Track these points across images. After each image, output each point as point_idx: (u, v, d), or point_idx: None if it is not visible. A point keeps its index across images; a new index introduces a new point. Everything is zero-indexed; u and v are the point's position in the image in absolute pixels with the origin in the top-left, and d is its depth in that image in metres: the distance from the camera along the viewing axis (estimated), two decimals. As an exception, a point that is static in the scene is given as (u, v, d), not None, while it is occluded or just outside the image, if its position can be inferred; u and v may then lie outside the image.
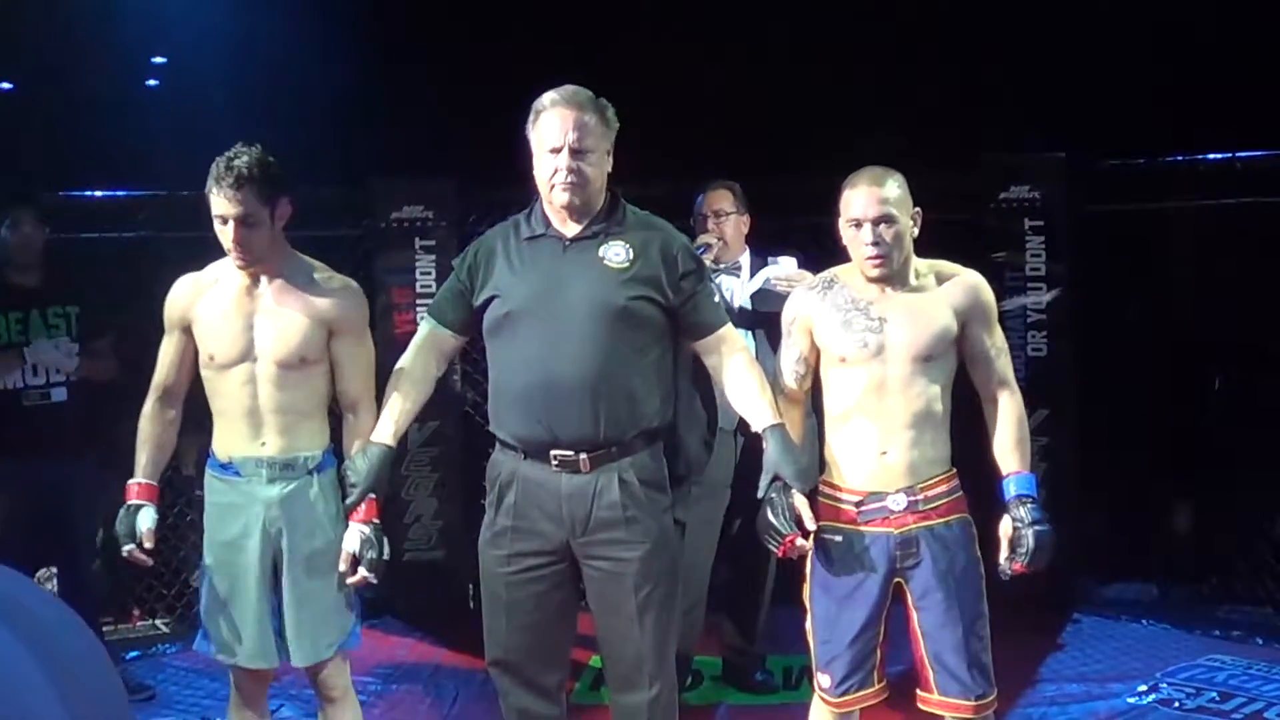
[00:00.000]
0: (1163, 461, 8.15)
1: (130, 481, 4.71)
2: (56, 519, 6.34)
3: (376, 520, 4.60)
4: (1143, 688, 6.39)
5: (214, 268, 4.67)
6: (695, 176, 6.43)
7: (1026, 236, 7.60)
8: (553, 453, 4.31)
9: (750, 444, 5.87)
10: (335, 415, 4.80)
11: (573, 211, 4.33)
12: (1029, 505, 4.29)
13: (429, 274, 7.70)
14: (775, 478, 4.30)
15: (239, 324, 4.55)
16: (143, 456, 4.74)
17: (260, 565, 4.59)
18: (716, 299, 4.56)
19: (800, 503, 4.26)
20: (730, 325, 4.51)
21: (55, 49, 9.03)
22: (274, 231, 4.53)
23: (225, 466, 4.65)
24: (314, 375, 4.62)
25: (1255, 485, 7.69)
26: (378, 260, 7.77)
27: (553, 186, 4.28)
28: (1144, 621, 7.45)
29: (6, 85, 10.59)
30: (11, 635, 1.55)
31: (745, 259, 6.16)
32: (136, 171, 8.01)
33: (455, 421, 7.83)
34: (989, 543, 4.39)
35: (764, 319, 5.52)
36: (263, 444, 4.58)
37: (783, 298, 5.66)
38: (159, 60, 10.66)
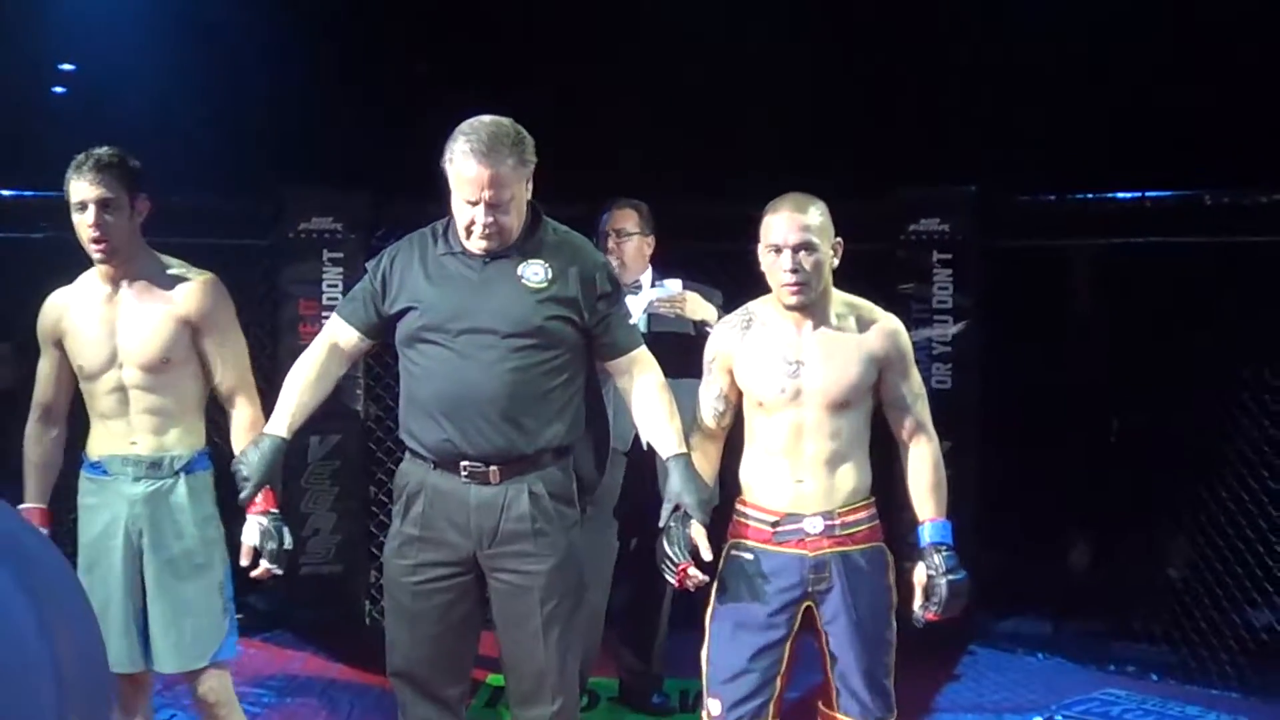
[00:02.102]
0: (1062, 498, 8.18)
1: (22, 508, 4.67)
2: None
3: (275, 510, 4.50)
4: (1038, 719, 6.42)
5: (79, 281, 4.67)
6: (608, 196, 6.41)
7: (934, 269, 7.63)
8: (462, 464, 4.28)
9: (637, 462, 5.90)
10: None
11: (490, 253, 4.30)
12: (944, 553, 4.30)
13: (335, 286, 7.62)
14: (676, 507, 4.29)
15: (103, 332, 4.55)
16: (31, 481, 4.73)
17: (124, 566, 4.55)
18: (632, 321, 4.57)
19: (698, 533, 4.25)
20: (644, 348, 4.51)
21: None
22: (133, 225, 4.52)
23: (95, 466, 4.64)
24: (182, 376, 4.61)
25: (1152, 523, 7.78)
26: (285, 271, 7.70)
27: (469, 234, 4.26)
28: (1040, 655, 7.51)
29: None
30: (8, 574, 1.53)
31: (646, 279, 6.12)
32: (41, 174, 7.93)
33: (356, 435, 7.76)
34: (903, 584, 4.41)
35: (655, 340, 5.50)
36: (133, 443, 4.57)
37: (667, 319, 5.68)
38: (67, 67, 10.56)
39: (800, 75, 8.62)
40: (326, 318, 7.33)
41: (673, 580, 4.30)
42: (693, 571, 4.24)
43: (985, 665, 7.29)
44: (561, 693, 4.38)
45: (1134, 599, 7.70)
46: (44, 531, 4.58)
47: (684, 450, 4.36)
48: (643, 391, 4.43)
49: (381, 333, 4.51)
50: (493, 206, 4.19)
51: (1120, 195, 7.51)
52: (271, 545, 4.46)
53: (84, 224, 4.43)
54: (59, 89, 10.67)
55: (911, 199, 7.80)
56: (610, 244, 6.04)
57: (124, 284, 4.55)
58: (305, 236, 7.68)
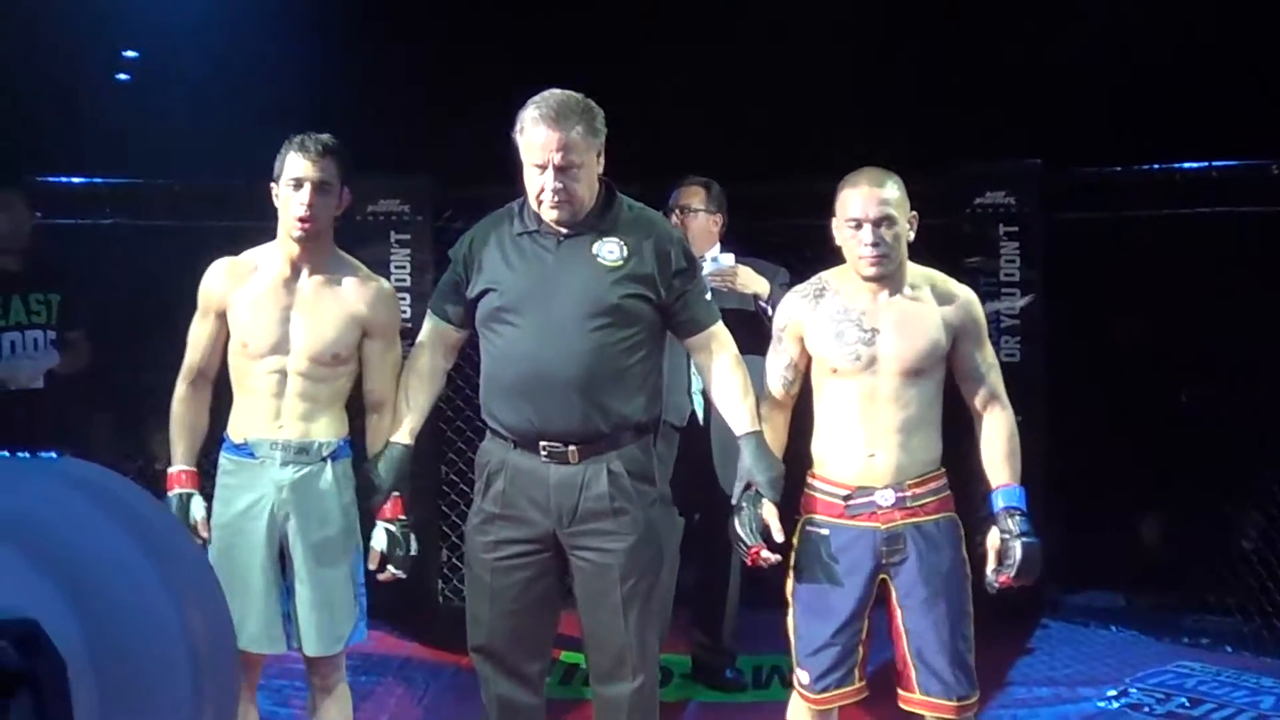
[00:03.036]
0: (1132, 470, 8.14)
1: (172, 470, 4.69)
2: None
3: (403, 517, 4.63)
4: (1112, 692, 6.43)
5: (252, 254, 4.66)
6: (673, 175, 6.42)
7: (1001, 242, 7.61)
8: (541, 443, 4.31)
9: (695, 436, 5.91)
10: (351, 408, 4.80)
11: (562, 223, 4.32)
12: (1017, 518, 4.30)
13: (404, 268, 7.67)
14: (748, 485, 4.34)
15: (275, 316, 4.54)
16: (180, 443, 4.71)
17: (267, 548, 4.56)
18: (708, 296, 4.57)
19: (769, 513, 4.30)
20: (720, 324, 4.50)
21: (27, 36, 8.98)
22: (335, 213, 4.58)
23: (239, 448, 4.63)
24: (342, 373, 4.63)
25: (1224, 494, 7.72)
26: (353, 254, 7.69)
27: (540, 203, 4.28)
28: (1113, 628, 7.50)
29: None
30: (130, 538, 1.55)
31: (709, 255, 6.09)
32: (109, 160, 7.98)
33: (428, 417, 7.76)
34: (975, 551, 4.42)
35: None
36: (280, 426, 4.56)
37: (728, 296, 5.67)
38: (130, 54, 10.60)
39: (862, 50, 8.60)
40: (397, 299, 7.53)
41: (745, 559, 4.35)
42: (765, 553, 4.29)
43: (1058, 639, 7.28)
44: (642, 670, 4.41)
45: (1207, 571, 7.63)
46: (196, 494, 4.65)
47: (757, 428, 4.38)
48: (719, 368, 4.44)
49: (471, 311, 4.52)
50: (561, 170, 4.22)
51: (1186, 165, 7.47)
52: (400, 552, 4.60)
53: (295, 201, 4.45)
54: (122, 75, 10.72)
55: (975, 173, 7.79)
56: (675, 220, 6.03)
57: (304, 272, 4.56)
58: (373, 219, 7.71)
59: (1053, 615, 7.54)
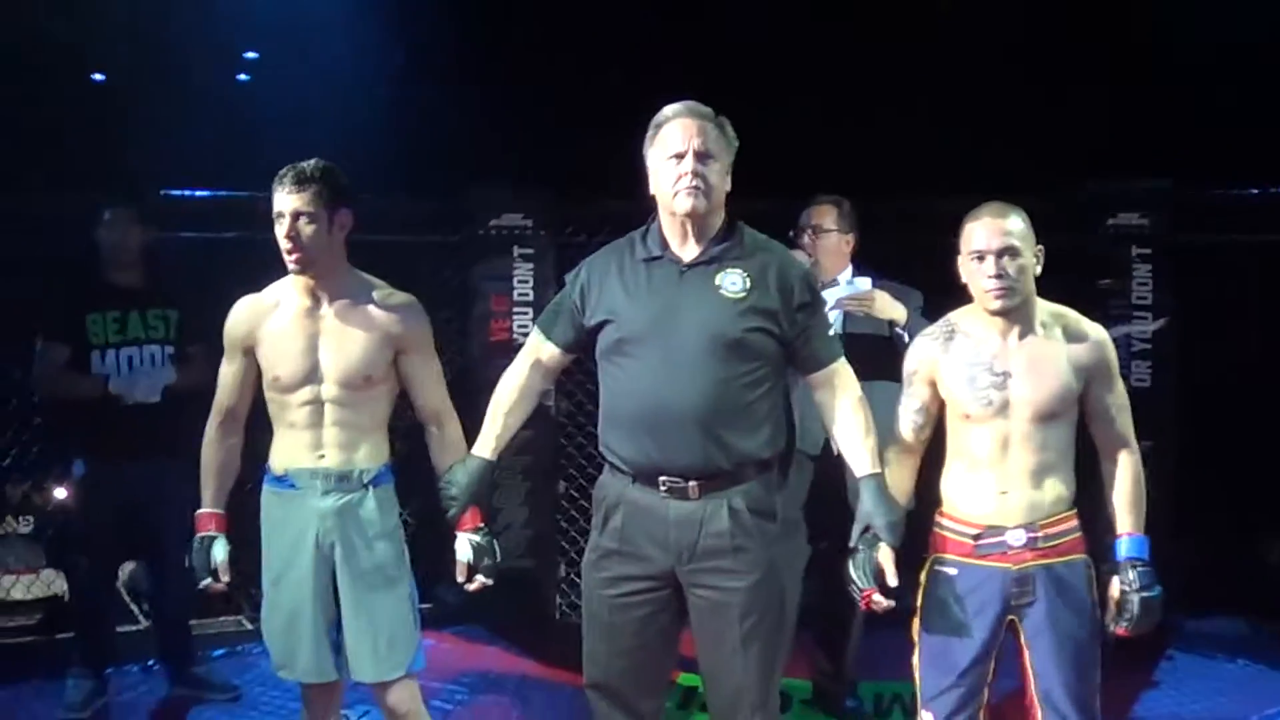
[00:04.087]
0: (1260, 495, 8.02)
1: (200, 512, 4.75)
2: (145, 518, 6.34)
3: (483, 525, 4.64)
4: (1240, 730, 6.27)
5: (273, 289, 4.69)
6: (796, 194, 6.33)
7: (1133, 264, 7.54)
8: (661, 478, 4.26)
9: (827, 464, 5.85)
10: (396, 432, 4.79)
11: (695, 221, 4.27)
12: (1139, 569, 4.26)
13: (526, 282, 7.71)
14: (866, 528, 4.28)
15: (302, 345, 4.56)
16: (210, 486, 4.77)
17: (315, 579, 4.59)
18: (831, 332, 4.51)
19: (885, 557, 4.25)
20: (843, 360, 4.43)
21: (148, 41, 9.05)
22: (331, 238, 4.53)
23: (280, 479, 4.65)
24: (378, 395, 4.63)
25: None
26: (476, 267, 7.77)
27: (675, 193, 4.23)
28: (1240, 660, 7.33)
29: (98, 76, 10.62)
30: None
31: (844, 278, 6.01)
32: (231, 172, 8.02)
33: (547, 431, 7.79)
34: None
35: (850, 340, 5.41)
36: (321, 455, 4.58)
37: (867, 320, 5.58)
38: (248, 61, 10.68)
39: (989, 68, 8.51)
40: (518, 313, 7.56)
41: (860, 603, 4.31)
42: (877, 598, 4.24)
43: (1185, 671, 7.12)
44: (761, 708, 4.34)
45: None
46: (220, 537, 4.71)
47: (878, 470, 4.32)
48: (840, 408, 4.37)
49: (583, 346, 4.50)
50: (700, 156, 4.20)
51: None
52: (486, 560, 4.62)
53: (280, 234, 4.46)
54: (242, 77, 10.79)
55: (1108, 193, 7.71)
56: (806, 239, 5.96)
57: (325, 299, 4.57)
58: (496, 233, 7.72)
59: (1179, 646, 7.39)
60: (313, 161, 4.51)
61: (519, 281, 7.70)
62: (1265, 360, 8.26)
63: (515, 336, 7.57)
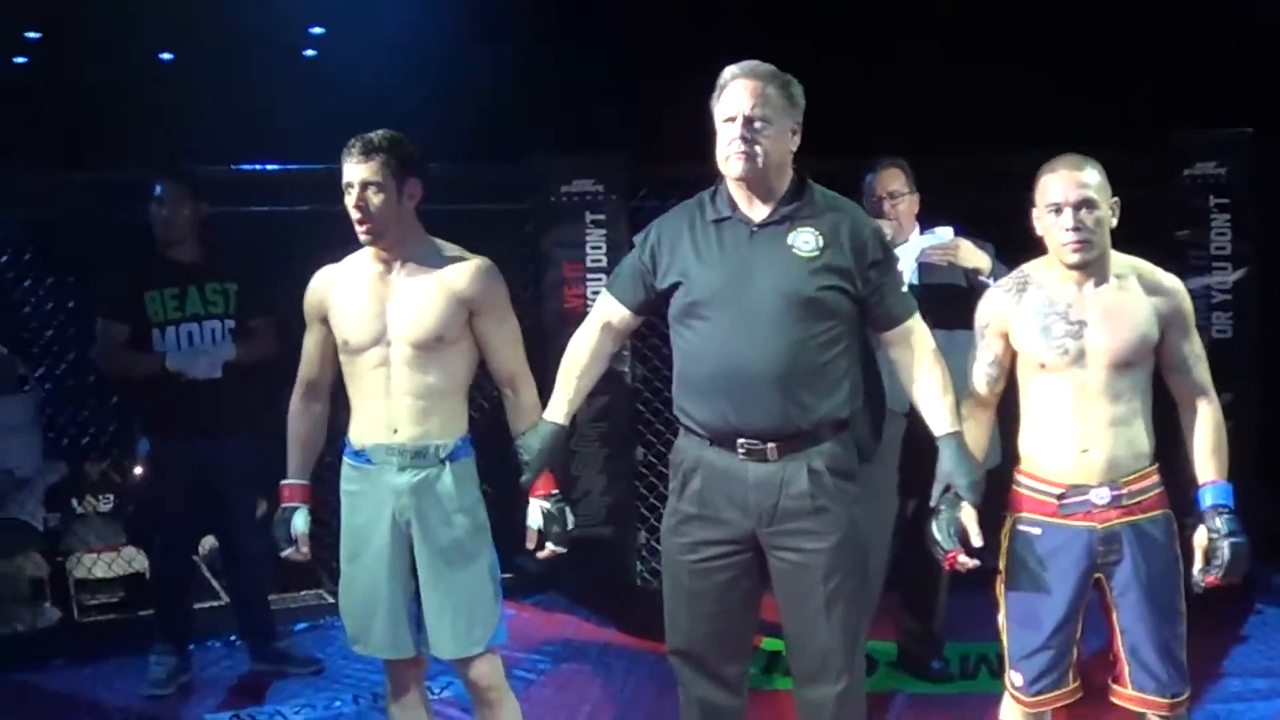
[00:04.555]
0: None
1: (283, 483, 4.74)
2: (216, 493, 6.38)
3: (556, 492, 4.59)
4: (1332, 683, 6.19)
5: (350, 259, 4.67)
6: (856, 154, 6.26)
7: (1212, 214, 7.46)
8: (739, 441, 4.22)
9: (917, 421, 5.81)
10: (476, 404, 4.76)
11: (751, 184, 4.23)
12: (1225, 516, 4.21)
13: (599, 248, 7.66)
14: (947, 488, 4.26)
15: (373, 308, 4.53)
16: (294, 457, 4.76)
17: (391, 554, 4.57)
18: (904, 288, 4.47)
19: (968, 517, 4.23)
20: (917, 316, 4.38)
21: (215, 18, 9.07)
22: (401, 207, 4.50)
23: (359, 454, 4.62)
24: (450, 356, 4.57)
25: None
26: (548, 234, 7.73)
27: (727, 157, 4.20)
28: (1328, 613, 7.24)
29: (167, 55, 10.67)
30: None
31: (914, 237, 5.96)
32: (295, 145, 8.03)
33: (624, 397, 7.77)
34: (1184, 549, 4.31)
35: (927, 293, 5.36)
36: (394, 430, 4.54)
37: (939, 269, 5.53)
38: (317, 30, 10.69)
39: (1064, 19, 8.44)
40: (591, 279, 7.53)
41: (943, 564, 4.27)
42: (962, 559, 4.22)
43: (1273, 625, 7.02)
44: (847, 671, 4.32)
45: None
46: (302, 508, 4.71)
47: (957, 429, 4.29)
48: (916, 365, 4.33)
49: (653, 308, 4.47)
50: (749, 122, 4.16)
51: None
52: (556, 528, 4.56)
53: (349, 204, 4.45)
54: (310, 51, 10.81)
55: (1184, 143, 7.61)
56: (886, 207, 5.90)
57: (397, 265, 4.54)
58: (567, 199, 7.69)
59: (1266, 599, 7.30)
60: (380, 132, 4.48)
61: (591, 248, 7.66)
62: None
63: (588, 303, 7.43)
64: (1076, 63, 8.43)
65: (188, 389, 6.17)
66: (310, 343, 4.74)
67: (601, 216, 7.72)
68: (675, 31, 8.74)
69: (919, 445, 5.66)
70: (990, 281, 5.55)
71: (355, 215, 4.45)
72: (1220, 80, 8.14)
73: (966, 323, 4.55)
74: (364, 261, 4.61)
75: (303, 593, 7.80)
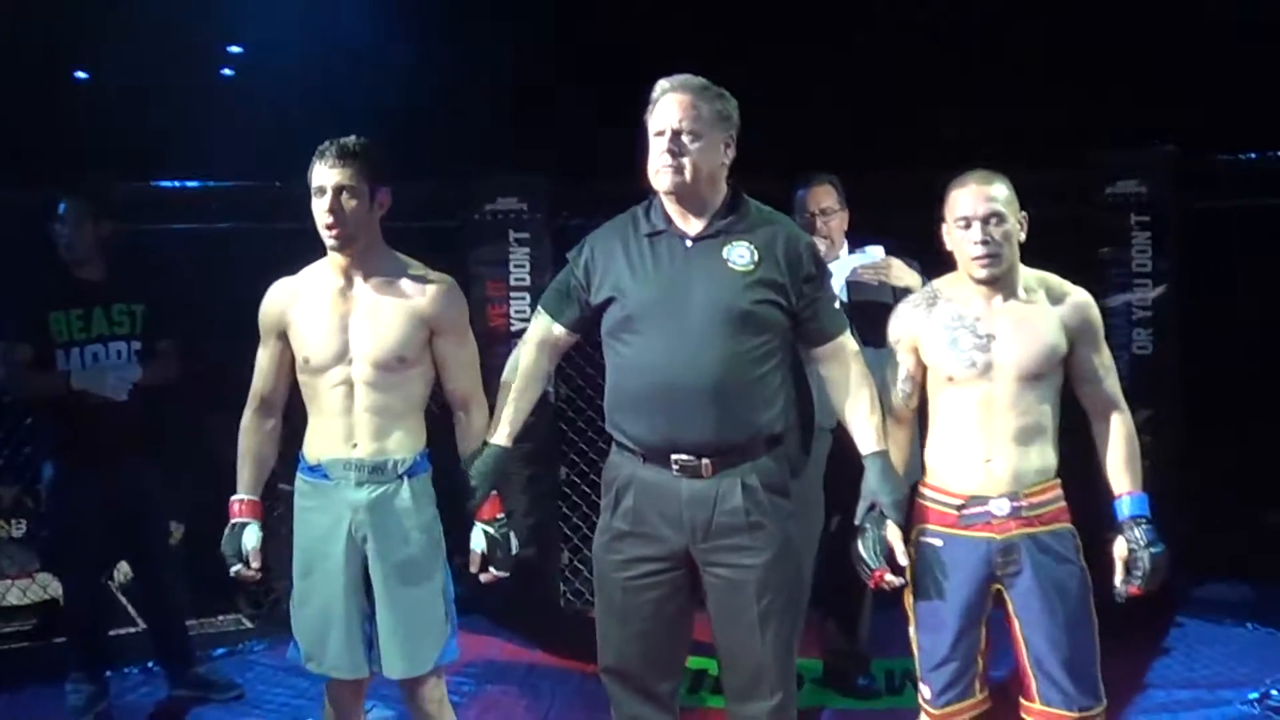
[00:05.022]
0: (1263, 461, 7.99)
1: (233, 498, 4.63)
2: (127, 517, 6.27)
3: (500, 517, 4.57)
4: (1254, 695, 6.24)
5: (307, 272, 4.58)
6: (785, 170, 6.26)
7: (1133, 232, 7.51)
8: (673, 457, 4.21)
9: (843, 438, 5.81)
10: (433, 419, 4.69)
11: (678, 198, 4.24)
12: (1144, 526, 4.27)
13: (523, 266, 7.64)
14: (872, 505, 4.28)
15: (334, 325, 4.45)
16: (244, 472, 4.65)
17: (347, 572, 4.49)
18: (836, 305, 4.47)
19: (893, 535, 4.25)
20: (848, 334, 4.41)
21: (131, 37, 8.99)
22: (371, 216, 4.44)
23: (314, 469, 4.54)
24: (411, 377, 4.51)
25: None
26: (472, 253, 7.69)
27: (656, 171, 4.20)
28: (1248, 625, 7.33)
29: (82, 74, 10.56)
30: None
31: (844, 254, 5.98)
32: (211, 162, 7.95)
33: (546, 418, 7.72)
34: (1101, 563, 4.34)
35: (857, 311, 5.37)
36: (354, 445, 4.47)
37: (869, 287, 5.56)
38: (235, 49, 10.61)
39: (992, 39, 8.49)
40: (515, 297, 7.50)
41: (868, 583, 4.30)
42: (888, 577, 4.25)
43: (1195, 637, 7.09)
44: (780, 688, 4.31)
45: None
46: (252, 523, 4.58)
47: (883, 448, 4.32)
48: (846, 382, 4.35)
49: (588, 325, 4.45)
50: (678, 136, 4.16)
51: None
52: (500, 553, 4.55)
53: (320, 209, 4.36)
54: (227, 71, 10.74)
55: (1106, 161, 7.66)
56: (818, 223, 5.91)
57: (358, 278, 4.47)
58: (492, 218, 7.67)
59: (1187, 611, 7.36)
60: (354, 137, 4.42)
61: (515, 266, 7.63)
62: (1266, 326, 8.22)
63: (513, 322, 7.47)
64: (999, 81, 8.47)
65: (93, 412, 6.04)
66: (264, 357, 4.64)
67: (525, 235, 7.69)
68: (601, 50, 8.72)
69: (843, 461, 5.72)
70: None
71: (326, 220, 4.36)
72: (1142, 99, 8.19)
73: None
74: (324, 275, 4.53)
75: (220, 618, 7.70)
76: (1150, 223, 7.49)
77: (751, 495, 4.20)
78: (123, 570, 7.29)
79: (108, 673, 6.52)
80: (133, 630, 7.28)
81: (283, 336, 4.56)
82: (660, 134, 4.19)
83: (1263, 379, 7.98)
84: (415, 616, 4.52)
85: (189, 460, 5.40)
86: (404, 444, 4.51)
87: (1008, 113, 8.31)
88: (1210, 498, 7.73)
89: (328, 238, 4.40)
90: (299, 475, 4.60)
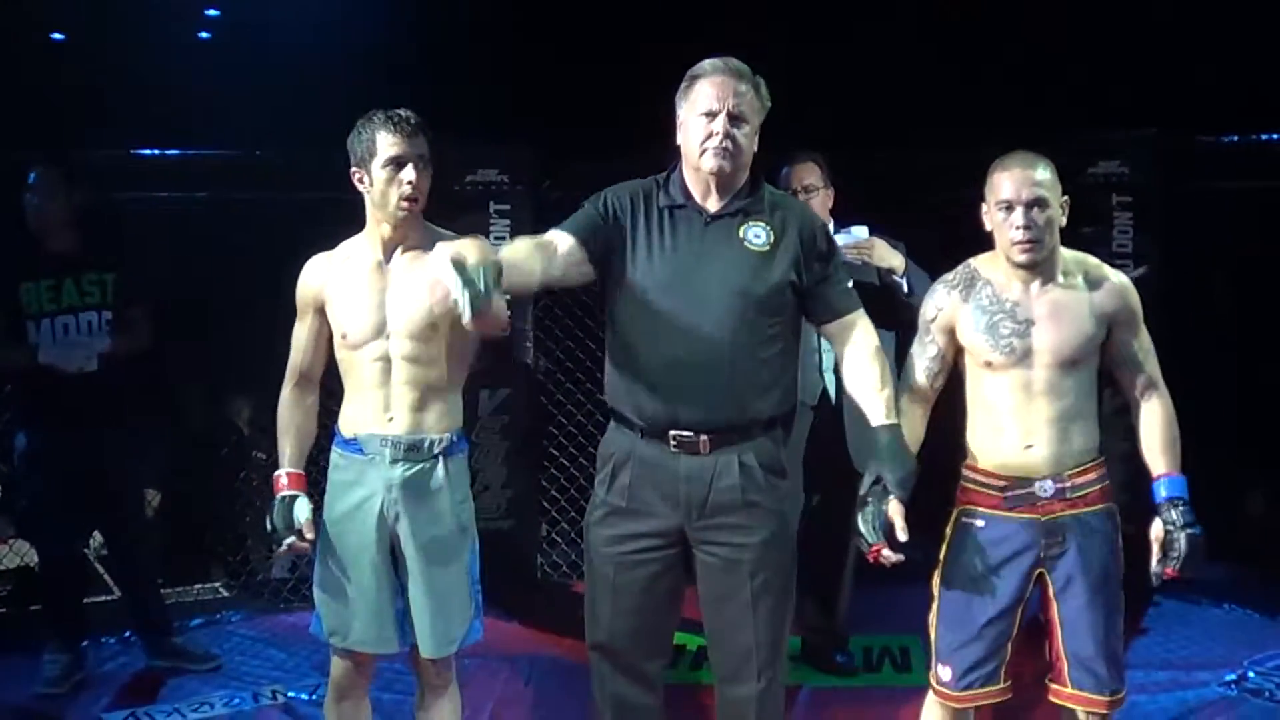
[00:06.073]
0: (1240, 444, 8.02)
1: (278, 472, 4.56)
2: (99, 487, 6.26)
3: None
4: (1231, 677, 6.28)
5: (344, 247, 4.54)
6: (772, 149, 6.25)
7: (1114, 213, 7.54)
8: (672, 433, 4.19)
9: (824, 415, 5.80)
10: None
11: (720, 179, 4.21)
12: (1181, 508, 4.21)
13: (503, 238, 7.58)
14: (877, 479, 4.21)
15: (372, 300, 4.41)
16: (287, 446, 4.58)
17: (377, 547, 4.45)
18: (850, 284, 4.43)
19: (895, 511, 4.15)
20: (862, 313, 4.36)
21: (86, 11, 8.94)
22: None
23: (349, 443, 4.50)
24: (448, 346, 4.46)
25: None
26: (451, 224, 7.61)
27: (704, 151, 4.16)
28: (1226, 606, 7.38)
29: (58, 35, 10.49)
30: None
31: (831, 229, 5.96)
32: (189, 130, 7.91)
33: (526, 389, 7.72)
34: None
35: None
36: (390, 419, 4.43)
37: (853, 267, 5.55)
38: (212, 13, 10.55)
39: (972, 18, 8.47)
40: (493, 269, 7.45)
41: (867, 556, 4.24)
42: (886, 553, 4.17)
43: (1172, 618, 7.14)
44: (769, 669, 4.31)
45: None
46: (301, 495, 4.50)
47: (894, 421, 4.24)
48: (858, 358, 4.29)
49: (596, 257, 4.24)
50: (734, 118, 4.15)
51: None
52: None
53: (400, 181, 4.33)
54: (204, 34, 10.68)
55: (1089, 142, 7.68)
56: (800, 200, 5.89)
57: (396, 252, 4.44)
58: (472, 188, 7.64)
59: (1163, 591, 7.32)
60: (407, 110, 4.38)
61: (495, 238, 7.57)
62: (1247, 308, 8.24)
63: (489, 293, 7.44)
64: (979, 60, 8.46)
65: (63, 382, 6.03)
66: (302, 333, 4.59)
67: (505, 206, 7.68)
68: (587, 24, 8.68)
69: (823, 439, 5.72)
70: (902, 281, 5.61)
71: (408, 193, 4.33)
72: (1124, 79, 8.19)
73: (881, 321, 4.55)
74: (361, 249, 4.49)
75: (197, 587, 7.67)
76: (1131, 203, 7.53)
77: (748, 474, 4.20)
78: (99, 539, 7.26)
79: (84, 643, 6.51)
80: (109, 598, 7.25)
81: (320, 312, 4.52)
82: (710, 114, 4.15)
83: (1242, 360, 7.99)
84: (445, 596, 4.48)
85: (163, 428, 5.33)
86: (440, 422, 4.47)
87: (989, 92, 8.27)
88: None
89: (403, 209, 4.36)
90: (334, 448, 4.56)
